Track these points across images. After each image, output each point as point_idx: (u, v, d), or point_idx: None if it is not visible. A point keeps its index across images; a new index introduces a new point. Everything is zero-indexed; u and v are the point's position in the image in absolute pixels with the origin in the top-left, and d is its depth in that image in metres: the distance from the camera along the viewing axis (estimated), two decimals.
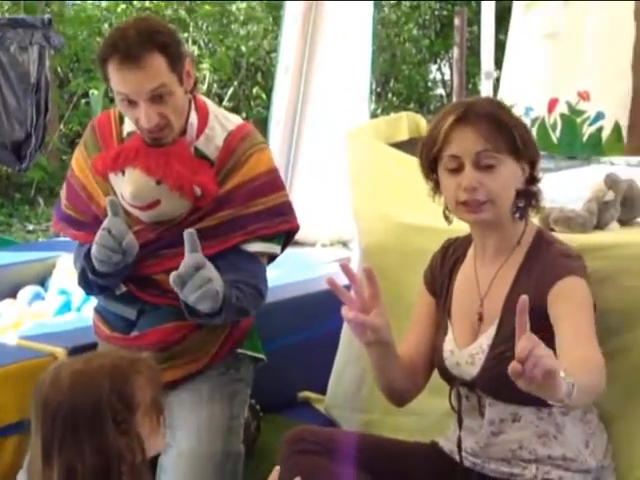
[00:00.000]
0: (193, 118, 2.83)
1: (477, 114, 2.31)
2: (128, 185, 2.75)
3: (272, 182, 2.91)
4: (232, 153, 2.85)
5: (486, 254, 2.45)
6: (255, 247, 2.85)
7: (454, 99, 10.21)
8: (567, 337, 2.19)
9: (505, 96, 4.39)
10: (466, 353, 2.42)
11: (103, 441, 1.81)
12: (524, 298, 1.89)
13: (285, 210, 2.93)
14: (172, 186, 2.72)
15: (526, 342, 1.86)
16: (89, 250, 2.76)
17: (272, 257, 2.97)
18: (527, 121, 4.18)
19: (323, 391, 3.71)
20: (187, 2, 11.06)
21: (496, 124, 2.30)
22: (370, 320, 2.29)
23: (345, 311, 2.27)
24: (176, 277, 2.53)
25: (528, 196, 2.38)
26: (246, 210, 2.83)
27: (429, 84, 14.81)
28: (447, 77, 14.54)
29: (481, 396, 2.42)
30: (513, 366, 1.86)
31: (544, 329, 2.17)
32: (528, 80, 4.30)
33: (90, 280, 2.85)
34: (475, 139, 2.30)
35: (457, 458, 2.48)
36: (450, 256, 2.59)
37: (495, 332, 2.38)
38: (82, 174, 2.97)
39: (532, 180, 2.39)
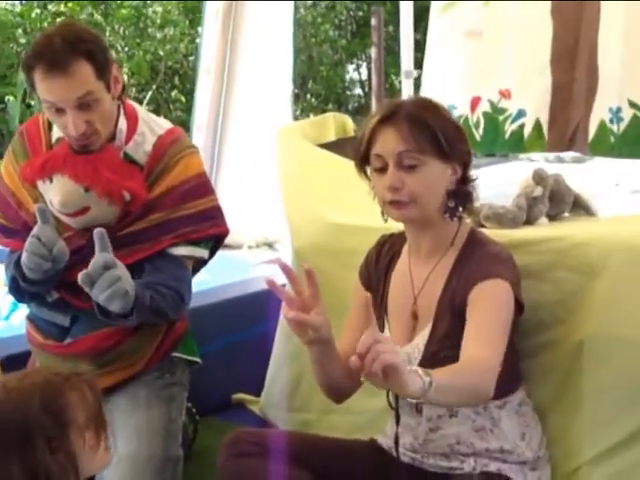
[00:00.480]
0: (122, 124, 2.82)
1: (401, 115, 2.33)
2: (56, 193, 2.73)
3: (202, 186, 2.91)
4: (161, 157, 2.84)
5: (420, 253, 2.48)
6: (181, 250, 2.84)
7: (373, 99, 10.25)
8: (467, 336, 2.24)
9: (427, 95, 4.43)
10: (403, 352, 2.42)
11: (32, 459, 1.77)
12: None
13: (215, 214, 2.93)
14: (101, 193, 2.71)
15: (366, 338, 1.90)
16: (19, 258, 2.73)
17: (200, 262, 2.96)
18: None
19: (256, 393, 3.71)
20: (103, 6, 10.98)
21: (418, 125, 2.31)
22: (311, 319, 2.31)
23: (285, 310, 2.28)
24: (84, 276, 2.48)
25: (459, 197, 2.40)
26: (176, 214, 2.82)
27: (347, 84, 14.87)
28: (364, 77, 14.62)
29: None
30: (351, 360, 1.90)
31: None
32: (450, 79, 4.35)
33: (21, 288, 2.82)
34: (397, 140, 2.32)
35: (395, 454, 2.51)
36: (386, 253, 2.60)
37: (429, 332, 2.40)
38: (11, 181, 2.93)
39: (464, 181, 2.40)
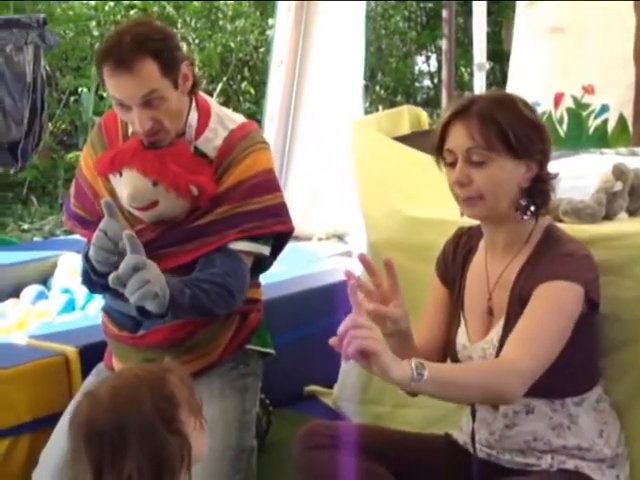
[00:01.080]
0: (192, 119, 2.85)
1: (472, 111, 2.32)
2: (125, 187, 2.77)
3: (269, 182, 2.91)
4: (231, 151, 2.85)
5: (496, 249, 2.46)
6: (239, 245, 2.84)
7: (443, 91, 10.20)
8: (512, 333, 2.26)
9: (512, 91, 4.40)
10: (478, 347, 2.43)
11: (156, 444, 1.82)
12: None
13: (280, 211, 2.93)
14: (168, 187, 2.73)
15: (347, 321, 2.03)
16: (88, 251, 2.77)
17: (263, 258, 2.95)
18: None
19: (329, 385, 3.72)
20: None
21: (488, 122, 2.30)
22: (390, 311, 2.33)
23: (365, 303, 2.28)
24: (115, 278, 2.49)
25: (532, 195, 2.37)
26: (242, 208, 2.83)
27: (416, 76, 14.82)
28: (433, 69, 14.55)
29: None
30: (331, 340, 2.05)
31: None
32: (534, 75, 4.31)
33: (92, 280, 2.85)
34: (466, 135, 2.32)
35: (471, 450, 2.50)
36: (463, 246, 2.59)
37: (502, 327, 2.39)
38: (89, 172, 2.98)
39: (540, 179, 2.37)
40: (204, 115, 2.88)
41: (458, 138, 2.34)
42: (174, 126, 2.77)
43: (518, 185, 2.35)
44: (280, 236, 2.97)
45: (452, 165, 2.37)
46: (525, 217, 2.38)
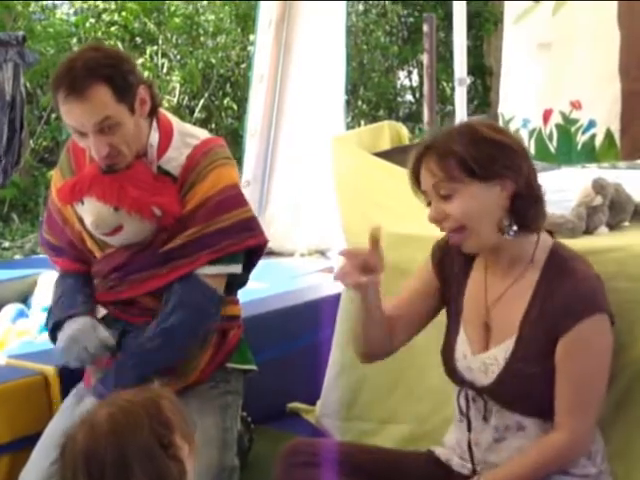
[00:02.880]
0: (154, 139, 2.84)
1: (432, 150, 2.35)
2: (88, 214, 2.78)
3: (235, 197, 2.91)
4: (194, 167, 2.84)
5: (497, 268, 2.46)
6: (207, 270, 2.83)
7: (424, 106, 10.24)
8: (560, 399, 2.31)
9: (504, 109, 4.42)
10: (479, 360, 2.43)
11: (158, 470, 1.80)
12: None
13: (251, 225, 2.93)
14: (129, 210, 2.73)
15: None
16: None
17: (235, 277, 2.95)
18: (524, 133, 4.22)
19: (311, 402, 3.71)
20: (156, 15, 11.03)
21: (444, 154, 2.32)
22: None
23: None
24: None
25: (517, 213, 2.36)
26: (212, 227, 2.83)
27: (398, 91, 14.84)
28: (415, 83, 14.58)
29: (487, 402, 2.43)
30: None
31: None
32: (524, 92, 4.33)
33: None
34: (430, 174, 2.35)
35: (465, 464, 2.49)
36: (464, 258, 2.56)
37: (513, 348, 2.38)
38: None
39: (521, 195, 2.35)
40: (166, 134, 2.87)
41: (425, 178, 2.37)
42: (132, 150, 2.76)
43: (499, 207, 2.34)
44: (253, 250, 2.96)
45: (429, 205, 2.40)
46: (508, 237, 2.36)
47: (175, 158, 2.85)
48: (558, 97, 4.15)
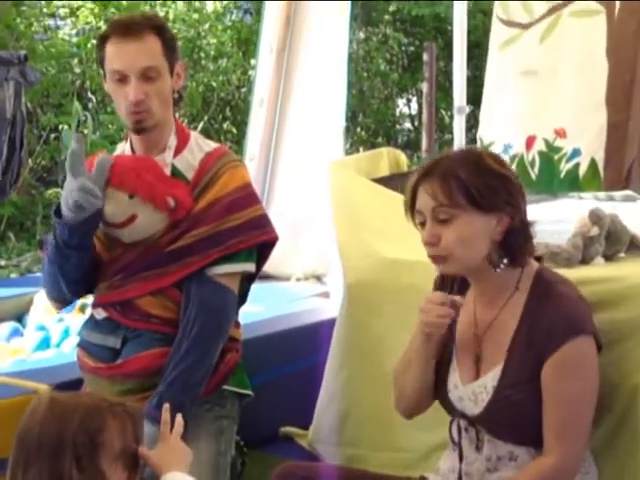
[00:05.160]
0: (172, 141, 2.93)
1: (437, 171, 2.36)
2: (104, 203, 2.79)
3: (247, 197, 2.95)
4: (207, 171, 2.91)
5: (483, 298, 2.47)
6: (221, 269, 2.86)
7: (423, 133, 10.28)
8: (548, 424, 2.31)
9: (484, 134, 4.42)
10: (469, 390, 2.44)
11: (59, 471, 1.84)
12: None
13: (262, 222, 2.96)
14: (145, 197, 2.78)
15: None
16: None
17: (251, 275, 2.99)
18: (505, 158, 4.22)
19: (304, 426, 3.70)
20: None
21: (451, 180, 2.33)
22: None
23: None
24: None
25: (506, 248, 2.38)
26: (223, 226, 2.86)
27: (397, 118, 14.89)
28: (414, 111, 14.63)
29: (480, 431, 2.43)
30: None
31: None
32: (506, 117, 4.34)
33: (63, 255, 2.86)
34: (431, 196, 2.35)
35: None
36: (460, 282, 2.57)
37: (500, 376, 2.39)
38: None
39: (513, 231, 2.37)
40: (182, 138, 2.96)
41: (424, 199, 2.37)
42: (159, 112, 2.85)
43: (490, 239, 2.36)
44: (263, 247, 2.99)
45: (422, 225, 2.40)
46: (498, 270, 2.38)
47: (189, 160, 2.92)
48: (542, 124, 4.16)
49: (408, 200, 2.43)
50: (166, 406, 2.28)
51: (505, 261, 2.38)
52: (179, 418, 2.27)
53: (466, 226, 2.33)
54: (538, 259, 2.53)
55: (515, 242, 2.37)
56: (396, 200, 3.22)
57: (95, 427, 1.88)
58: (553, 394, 2.32)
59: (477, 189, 2.32)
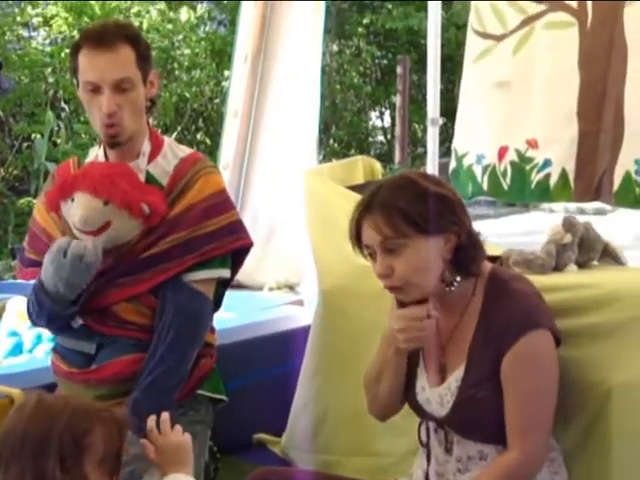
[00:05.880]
0: (146, 147, 2.93)
1: (375, 204, 2.38)
2: (77, 210, 2.80)
3: (222, 203, 2.96)
4: (182, 177, 2.92)
5: (445, 307, 2.48)
6: (197, 275, 2.88)
7: (396, 146, 10.34)
8: (509, 422, 2.34)
9: (458, 144, 4.45)
10: (436, 393, 2.46)
11: (42, 471, 1.83)
12: None
13: (237, 228, 2.98)
14: (120, 204, 2.77)
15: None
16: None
17: (225, 281, 3.00)
18: (478, 169, 4.25)
19: (277, 433, 3.70)
20: None
21: (390, 211, 2.34)
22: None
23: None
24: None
25: (457, 264, 2.41)
26: (198, 232, 2.87)
27: (369, 131, 14.94)
28: (386, 124, 14.68)
29: (448, 432, 2.45)
30: None
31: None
32: (480, 128, 4.37)
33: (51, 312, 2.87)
34: (376, 230, 2.37)
35: None
36: None
37: (462, 376, 2.41)
38: (42, 219, 3.02)
39: (462, 247, 2.40)
40: (156, 144, 2.97)
41: (369, 234, 2.39)
42: (132, 125, 2.85)
43: (442, 259, 2.39)
44: (238, 253, 3.00)
45: (372, 256, 2.42)
46: (452, 288, 2.41)
47: (163, 166, 2.93)
48: (514, 135, 4.18)
49: (353, 235, 2.44)
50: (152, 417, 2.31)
51: (458, 279, 2.42)
52: (165, 415, 2.28)
53: (416, 253, 2.35)
54: (492, 259, 2.56)
55: (466, 256, 2.41)
56: None
57: (82, 429, 1.87)
58: (512, 388, 2.34)
59: (420, 216, 2.33)
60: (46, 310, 2.87)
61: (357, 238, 2.43)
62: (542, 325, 2.35)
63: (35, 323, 3.03)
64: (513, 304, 2.38)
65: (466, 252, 2.40)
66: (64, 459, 1.84)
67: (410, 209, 2.33)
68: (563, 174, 4.06)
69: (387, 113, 14.61)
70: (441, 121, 5.42)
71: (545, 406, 2.36)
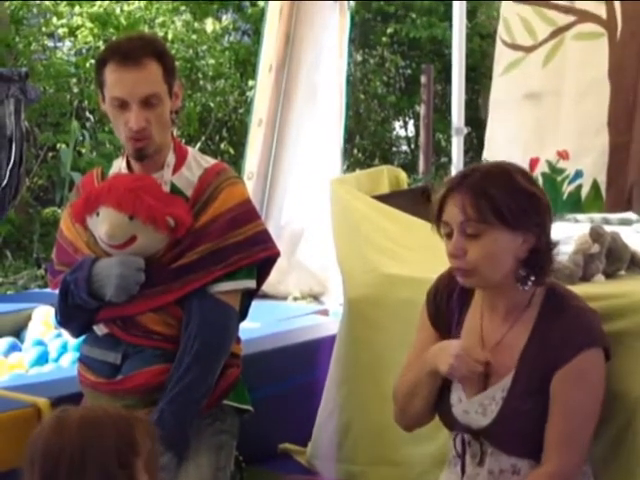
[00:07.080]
0: (171, 158, 2.93)
1: (466, 184, 2.37)
2: (103, 225, 2.80)
3: (247, 213, 2.96)
4: (206, 188, 2.91)
5: (495, 313, 2.47)
6: (222, 287, 2.88)
7: (420, 155, 10.31)
8: (551, 434, 2.33)
9: (489, 155, 4.45)
10: (476, 402, 2.44)
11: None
12: None
13: (263, 238, 2.98)
14: (145, 219, 2.77)
15: None
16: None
17: (251, 291, 3.00)
18: None
19: (303, 443, 3.69)
20: None
21: (481, 196, 2.34)
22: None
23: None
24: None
25: (531, 265, 2.40)
26: (224, 242, 2.87)
27: (393, 141, 14.92)
28: (410, 134, 14.65)
29: (483, 444, 2.43)
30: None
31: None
32: (510, 140, 4.36)
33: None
34: (460, 209, 2.36)
35: None
36: (458, 298, 2.58)
37: (510, 385, 2.40)
38: (69, 232, 3.02)
39: (538, 250, 2.40)
40: (181, 155, 2.97)
41: (452, 211, 2.38)
42: (159, 137, 2.85)
43: (515, 256, 2.38)
44: (264, 263, 2.99)
45: (449, 236, 2.41)
46: (526, 287, 2.40)
47: (188, 177, 2.93)
48: (545, 146, 4.18)
49: (435, 210, 2.43)
50: None
51: (532, 279, 2.40)
52: None
53: (493, 242, 2.35)
54: None
55: (539, 261, 2.40)
56: (396, 217, 3.26)
57: (131, 435, 1.88)
58: (560, 403, 2.33)
59: (508, 209, 2.33)
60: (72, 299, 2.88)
61: (438, 215, 2.43)
62: (598, 343, 2.36)
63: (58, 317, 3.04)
64: (571, 319, 2.38)
65: (540, 257, 2.40)
66: (125, 467, 1.84)
67: (499, 198, 2.33)
68: (594, 185, 4.06)
69: (411, 123, 14.59)
70: (465, 130, 5.41)
71: (587, 425, 2.35)
